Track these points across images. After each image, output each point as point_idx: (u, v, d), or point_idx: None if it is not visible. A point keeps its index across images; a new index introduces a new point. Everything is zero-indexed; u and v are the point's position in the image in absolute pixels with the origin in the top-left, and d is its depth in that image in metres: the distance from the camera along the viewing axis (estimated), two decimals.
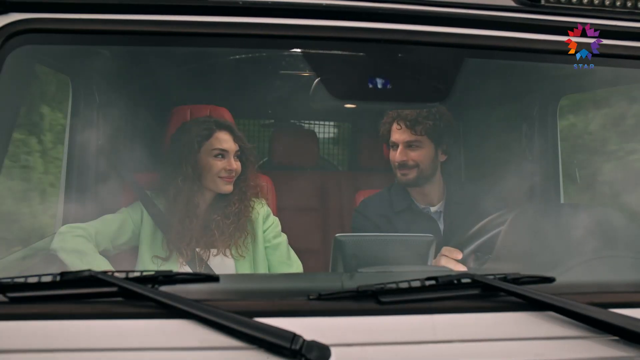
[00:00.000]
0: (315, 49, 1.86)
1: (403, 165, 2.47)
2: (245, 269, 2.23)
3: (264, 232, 2.32)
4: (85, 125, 2.57)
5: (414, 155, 2.47)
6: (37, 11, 1.38)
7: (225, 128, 2.30)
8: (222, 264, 2.21)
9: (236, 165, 2.27)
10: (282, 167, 3.53)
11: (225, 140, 2.27)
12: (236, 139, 2.30)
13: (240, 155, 2.31)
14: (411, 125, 2.45)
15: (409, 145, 2.46)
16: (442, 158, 2.54)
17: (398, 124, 2.47)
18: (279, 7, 1.45)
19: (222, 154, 2.25)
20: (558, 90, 2.89)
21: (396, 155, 2.48)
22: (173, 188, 2.22)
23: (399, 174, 2.50)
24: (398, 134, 2.48)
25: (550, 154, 2.95)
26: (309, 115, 4.82)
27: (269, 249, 2.31)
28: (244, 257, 2.24)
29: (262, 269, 2.28)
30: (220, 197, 2.29)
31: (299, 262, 2.34)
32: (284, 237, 2.35)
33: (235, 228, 2.25)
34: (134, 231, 2.22)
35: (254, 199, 2.34)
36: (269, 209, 2.37)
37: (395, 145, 2.49)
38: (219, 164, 2.24)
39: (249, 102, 3.93)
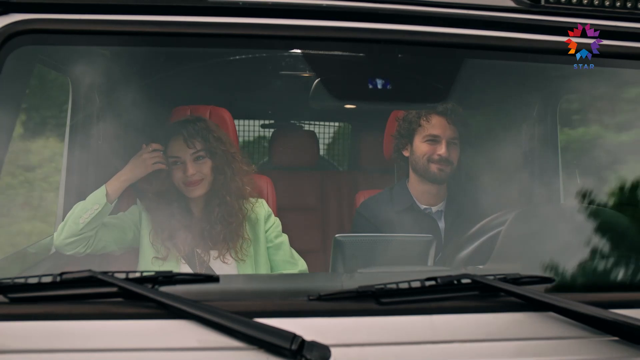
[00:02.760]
0: (315, 49, 1.87)
1: (444, 160, 2.41)
2: (247, 271, 2.22)
3: (266, 232, 2.29)
4: (85, 125, 2.58)
5: (454, 152, 2.43)
6: (37, 12, 1.38)
7: (177, 133, 2.18)
8: (223, 267, 2.19)
9: (197, 168, 2.16)
10: (282, 167, 3.53)
11: (177, 146, 2.17)
12: (189, 141, 2.15)
13: (209, 156, 2.18)
14: (456, 123, 2.41)
15: (452, 141, 2.42)
16: None
17: (444, 118, 2.41)
18: (279, 8, 1.45)
19: (177, 161, 2.17)
20: (558, 90, 2.89)
21: (441, 149, 2.40)
22: (166, 192, 2.20)
23: (434, 169, 2.42)
24: (442, 129, 2.41)
25: (550, 154, 2.95)
26: (309, 116, 4.82)
27: (272, 249, 2.29)
28: (245, 260, 2.21)
29: (264, 271, 2.24)
30: (207, 202, 2.21)
31: (303, 260, 2.31)
32: (285, 237, 2.33)
33: (227, 234, 2.17)
34: (134, 232, 2.21)
35: (251, 199, 2.28)
36: (269, 209, 2.35)
37: (436, 139, 2.42)
38: (177, 171, 2.17)
39: (249, 102, 3.94)
